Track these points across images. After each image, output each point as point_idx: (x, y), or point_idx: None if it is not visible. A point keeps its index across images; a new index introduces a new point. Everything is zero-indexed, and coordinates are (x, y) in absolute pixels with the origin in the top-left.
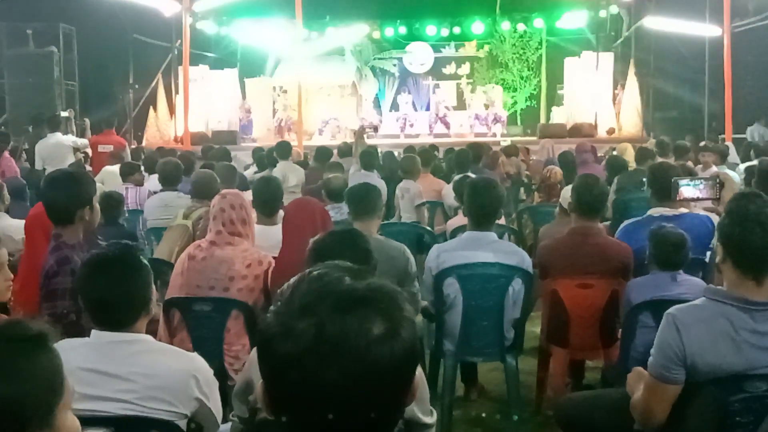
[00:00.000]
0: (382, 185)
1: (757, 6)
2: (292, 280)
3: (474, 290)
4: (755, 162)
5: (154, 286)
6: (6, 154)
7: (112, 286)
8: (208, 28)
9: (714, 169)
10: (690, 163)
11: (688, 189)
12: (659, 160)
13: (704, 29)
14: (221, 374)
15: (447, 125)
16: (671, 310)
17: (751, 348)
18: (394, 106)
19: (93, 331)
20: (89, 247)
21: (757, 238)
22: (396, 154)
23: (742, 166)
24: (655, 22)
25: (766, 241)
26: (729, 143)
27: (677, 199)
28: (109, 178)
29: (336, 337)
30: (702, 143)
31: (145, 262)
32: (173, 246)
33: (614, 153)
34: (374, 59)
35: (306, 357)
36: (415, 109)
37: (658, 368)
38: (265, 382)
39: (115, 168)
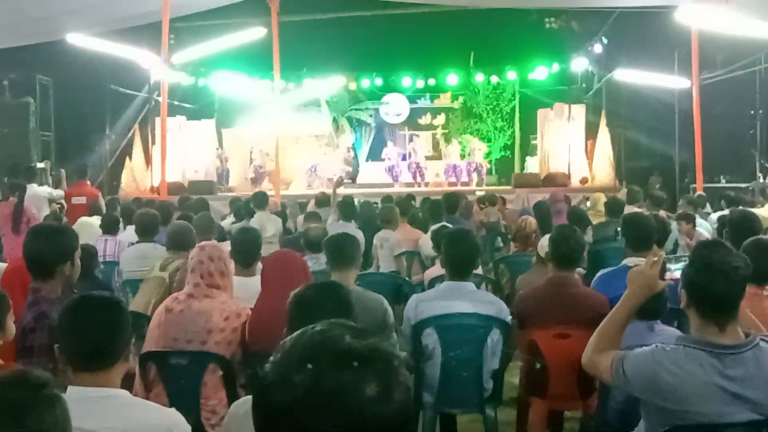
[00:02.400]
0: (360, 235)
1: (725, 59)
2: (295, 333)
3: (452, 341)
4: (727, 212)
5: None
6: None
7: (94, 325)
8: (185, 80)
9: (704, 234)
10: (663, 213)
11: (677, 272)
12: (630, 208)
13: (673, 81)
14: (198, 429)
15: (422, 175)
16: (660, 345)
17: (721, 392)
18: (371, 156)
19: (69, 388)
20: None
21: (719, 287)
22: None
23: (714, 216)
24: (626, 75)
25: (729, 290)
26: (702, 193)
27: (665, 278)
28: (84, 229)
29: (330, 392)
30: (680, 211)
31: (125, 306)
32: (149, 298)
33: (587, 202)
34: (351, 110)
35: (299, 408)
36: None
37: (617, 366)
38: (256, 431)
39: (92, 219)
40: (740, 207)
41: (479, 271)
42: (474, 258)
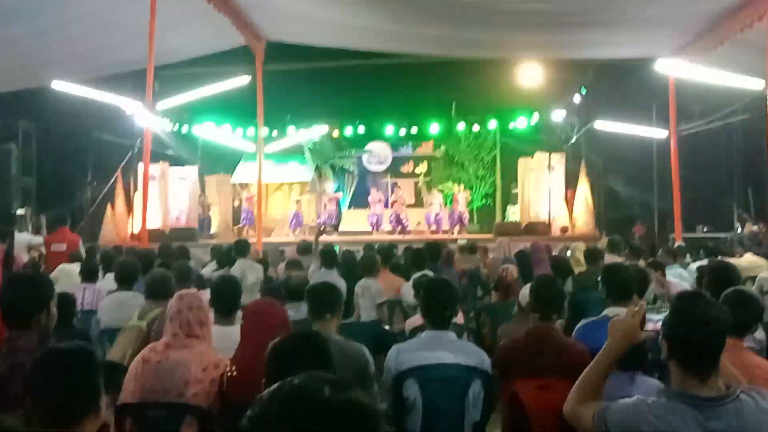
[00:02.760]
0: (341, 283)
1: (702, 110)
2: (273, 386)
3: (434, 392)
4: (705, 261)
5: (104, 389)
6: None
7: (59, 380)
8: (168, 127)
9: (676, 282)
10: (642, 262)
11: (659, 323)
12: (611, 257)
13: (652, 132)
14: None
15: (404, 228)
16: (642, 397)
17: None
18: (354, 203)
19: None
20: None
21: (700, 338)
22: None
23: (694, 266)
24: (605, 125)
25: (710, 341)
26: (681, 243)
27: (645, 329)
28: (64, 277)
29: None
30: (648, 260)
31: (96, 358)
32: (127, 348)
33: (568, 252)
34: (334, 158)
35: None
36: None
37: (599, 418)
38: None
39: (72, 267)
40: (719, 257)
41: (461, 320)
42: (453, 306)
